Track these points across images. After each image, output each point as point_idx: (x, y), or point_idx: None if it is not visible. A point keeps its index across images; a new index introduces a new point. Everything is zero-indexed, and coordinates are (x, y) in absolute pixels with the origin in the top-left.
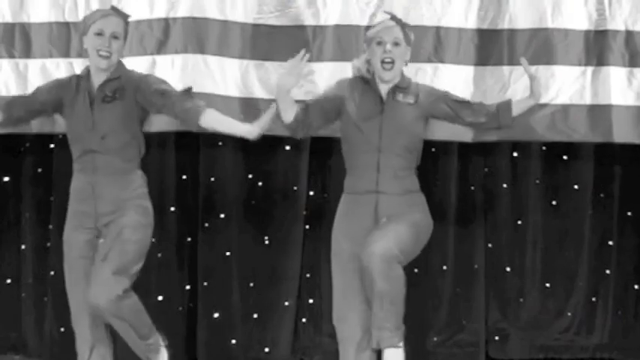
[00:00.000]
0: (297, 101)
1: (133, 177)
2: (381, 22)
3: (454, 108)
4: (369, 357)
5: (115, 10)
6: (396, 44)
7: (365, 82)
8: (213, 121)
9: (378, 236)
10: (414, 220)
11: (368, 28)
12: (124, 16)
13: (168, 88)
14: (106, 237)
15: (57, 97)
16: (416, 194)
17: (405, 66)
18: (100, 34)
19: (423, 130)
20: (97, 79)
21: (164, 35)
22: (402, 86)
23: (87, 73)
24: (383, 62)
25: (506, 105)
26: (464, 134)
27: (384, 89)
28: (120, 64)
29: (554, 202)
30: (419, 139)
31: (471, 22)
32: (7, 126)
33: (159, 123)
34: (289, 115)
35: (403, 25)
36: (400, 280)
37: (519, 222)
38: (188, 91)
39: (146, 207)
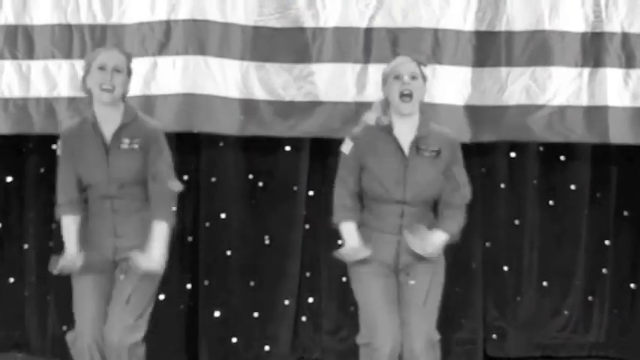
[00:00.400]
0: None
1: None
2: (396, 59)
3: (448, 176)
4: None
5: (118, 48)
6: (414, 78)
7: (382, 131)
8: (154, 230)
9: (416, 315)
10: (437, 277)
11: (367, 30)
12: (127, 54)
13: (161, 170)
14: (126, 273)
15: (71, 151)
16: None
17: (422, 101)
18: (102, 68)
19: (442, 183)
20: (107, 123)
21: (165, 37)
22: (423, 135)
23: (94, 117)
24: (402, 95)
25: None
26: (462, 135)
27: (404, 141)
28: (128, 106)
29: (551, 202)
30: (440, 188)
31: (469, 24)
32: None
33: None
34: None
35: (419, 62)
36: (439, 356)
37: (517, 222)
38: (172, 189)
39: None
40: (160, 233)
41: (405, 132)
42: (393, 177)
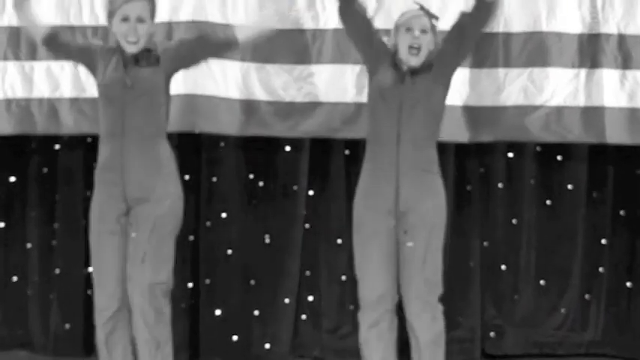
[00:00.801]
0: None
1: (162, 149)
2: (409, 11)
3: (451, 36)
4: (389, 315)
5: None
6: (424, 32)
7: (391, 62)
8: (248, 32)
9: (414, 278)
10: (435, 233)
11: None
12: None
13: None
14: (137, 230)
15: (92, 53)
16: (435, 178)
17: (431, 53)
18: (125, 19)
19: (443, 98)
20: (130, 49)
21: (167, 38)
22: (424, 67)
23: (119, 47)
24: (411, 47)
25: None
26: (460, 135)
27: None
28: (152, 37)
29: (548, 202)
30: (439, 108)
31: None
32: (49, 45)
33: None
34: None
35: (431, 16)
36: (442, 324)
37: (514, 221)
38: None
39: (176, 193)
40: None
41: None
42: (391, 89)
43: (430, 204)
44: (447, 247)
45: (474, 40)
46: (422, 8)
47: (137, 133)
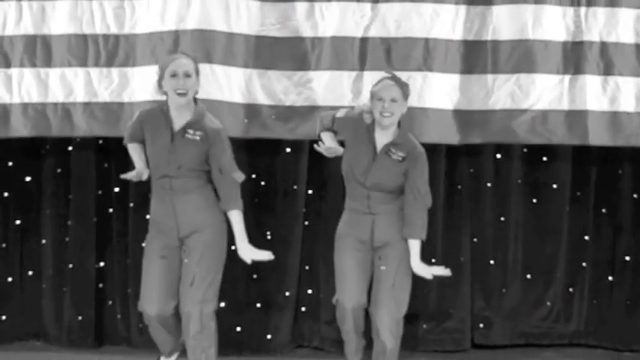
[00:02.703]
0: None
1: (205, 192)
2: (382, 81)
3: (407, 189)
4: (361, 314)
5: (184, 53)
6: (394, 101)
7: (367, 128)
8: (232, 219)
9: (384, 295)
10: (406, 264)
11: (362, 40)
12: (193, 57)
13: (226, 164)
14: (189, 256)
15: (141, 126)
16: (402, 212)
17: (403, 114)
18: (174, 75)
19: (403, 181)
20: (178, 117)
21: (174, 46)
22: (397, 142)
23: (167, 108)
24: (382, 115)
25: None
26: (451, 137)
27: (380, 142)
28: (199, 107)
29: (534, 200)
30: (398, 188)
31: (458, 34)
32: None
33: None
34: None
35: (402, 85)
36: (400, 337)
37: (502, 218)
38: (237, 180)
39: (220, 224)
40: (238, 221)
41: (383, 136)
42: (361, 166)
43: (401, 240)
44: (438, 242)
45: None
46: (393, 78)
47: (182, 189)
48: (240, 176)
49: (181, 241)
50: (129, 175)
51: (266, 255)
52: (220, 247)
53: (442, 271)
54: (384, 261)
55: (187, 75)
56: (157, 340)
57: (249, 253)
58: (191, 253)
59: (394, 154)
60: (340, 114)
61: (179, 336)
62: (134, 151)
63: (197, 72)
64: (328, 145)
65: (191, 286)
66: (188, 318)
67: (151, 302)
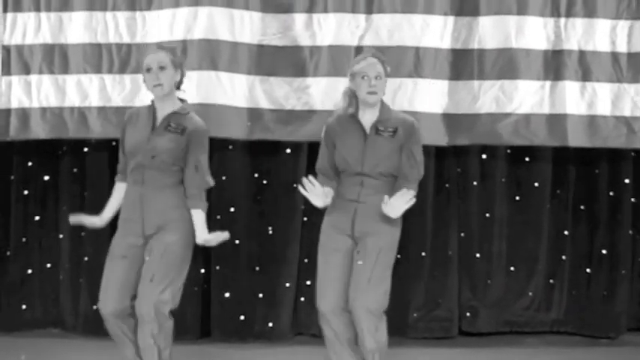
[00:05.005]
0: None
1: (175, 192)
2: (364, 59)
3: (404, 157)
4: (344, 318)
5: (160, 47)
6: (378, 77)
7: (350, 117)
8: (195, 217)
9: (360, 292)
10: (385, 253)
11: (358, 48)
12: (170, 49)
13: (203, 164)
14: (150, 254)
15: (125, 127)
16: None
17: (383, 95)
18: (149, 69)
19: (400, 158)
20: (162, 110)
21: (182, 54)
22: (383, 119)
23: (152, 104)
24: (368, 94)
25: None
26: (440, 139)
27: (367, 123)
28: (185, 104)
29: (517, 198)
30: (395, 167)
31: (446, 43)
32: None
33: None
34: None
35: (383, 62)
36: (385, 334)
37: (487, 215)
38: (208, 182)
39: (187, 225)
40: (201, 220)
41: (368, 117)
42: (353, 155)
43: (380, 231)
44: (428, 237)
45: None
46: (374, 55)
47: (153, 183)
48: (211, 181)
49: (146, 239)
50: (84, 219)
51: (221, 236)
52: (185, 248)
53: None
54: (361, 255)
55: (162, 67)
56: (118, 343)
57: (204, 237)
58: (153, 251)
59: (384, 130)
60: (323, 134)
61: (131, 340)
62: (117, 191)
63: (175, 64)
64: (318, 191)
65: (150, 283)
66: (143, 316)
67: (106, 300)
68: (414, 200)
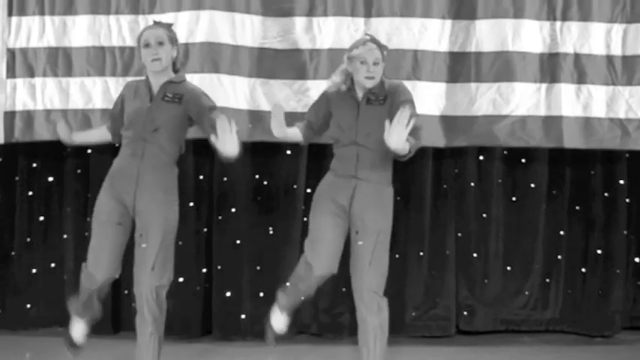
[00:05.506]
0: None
1: (170, 174)
2: (363, 44)
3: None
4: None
5: (157, 23)
6: (376, 63)
7: (347, 91)
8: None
9: (363, 273)
10: (383, 234)
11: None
12: (166, 25)
13: (216, 110)
14: (147, 241)
15: (121, 98)
16: (387, 188)
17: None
18: (147, 45)
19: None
20: (157, 83)
21: (184, 57)
22: (374, 91)
23: (147, 78)
24: (367, 78)
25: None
26: (437, 141)
27: (360, 94)
28: (181, 73)
29: (513, 199)
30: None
31: (444, 46)
32: (115, 132)
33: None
34: (280, 131)
35: (381, 47)
36: (387, 314)
37: (484, 215)
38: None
39: (175, 208)
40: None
41: (363, 91)
42: (347, 122)
43: (378, 212)
44: (426, 237)
45: None
46: (373, 40)
47: (152, 159)
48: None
49: (133, 212)
50: (62, 129)
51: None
52: (174, 232)
53: None
54: (361, 236)
55: (160, 43)
56: (82, 304)
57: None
58: (149, 239)
59: (375, 100)
60: (320, 95)
61: (99, 309)
62: (99, 131)
63: (172, 40)
64: (280, 118)
65: (152, 272)
66: (143, 304)
67: (102, 268)
68: (413, 121)
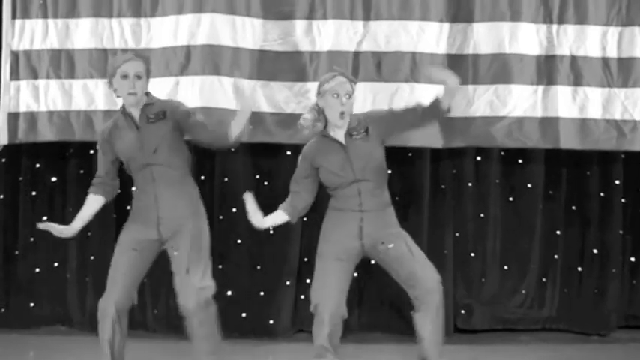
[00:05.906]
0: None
1: (187, 184)
2: (334, 78)
3: (394, 118)
4: (338, 329)
5: (136, 55)
6: (349, 97)
7: (323, 137)
8: (237, 130)
9: (415, 264)
10: (410, 240)
11: (355, 54)
12: (144, 58)
13: (192, 111)
14: (178, 249)
15: (109, 143)
16: (389, 208)
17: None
18: (125, 76)
19: (383, 153)
20: (136, 110)
21: (186, 59)
22: (352, 126)
23: (123, 107)
24: (341, 113)
25: (436, 98)
26: (435, 142)
27: (339, 135)
28: (149, 94)
29: (510, 199)
30: (382, 162)
31: (442, 48)
32: (108, 195)
33: None
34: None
35: (351, 81)
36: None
37: (482, 215)
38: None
39: (202, 214)
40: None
41: (339, 131)
42: (340, 166)
43: (393, 229)
44: (424, 237)
45: (414, 128)
46: (343, 74)
47: (164, 179)
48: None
49: (160, 234)
50: (52, 227)
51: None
52: (206, 232)
53: None
54: (387, 241)
55: (138, 76)
56: (104, 339)
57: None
58: (180, 247)
59: (357, 134)
60: (300, 157)
61: (124, 342)
62: (89, 204)
63: (147, 73)
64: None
65: (187, 275)
66: (189, 310)
67: (116, 289)
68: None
